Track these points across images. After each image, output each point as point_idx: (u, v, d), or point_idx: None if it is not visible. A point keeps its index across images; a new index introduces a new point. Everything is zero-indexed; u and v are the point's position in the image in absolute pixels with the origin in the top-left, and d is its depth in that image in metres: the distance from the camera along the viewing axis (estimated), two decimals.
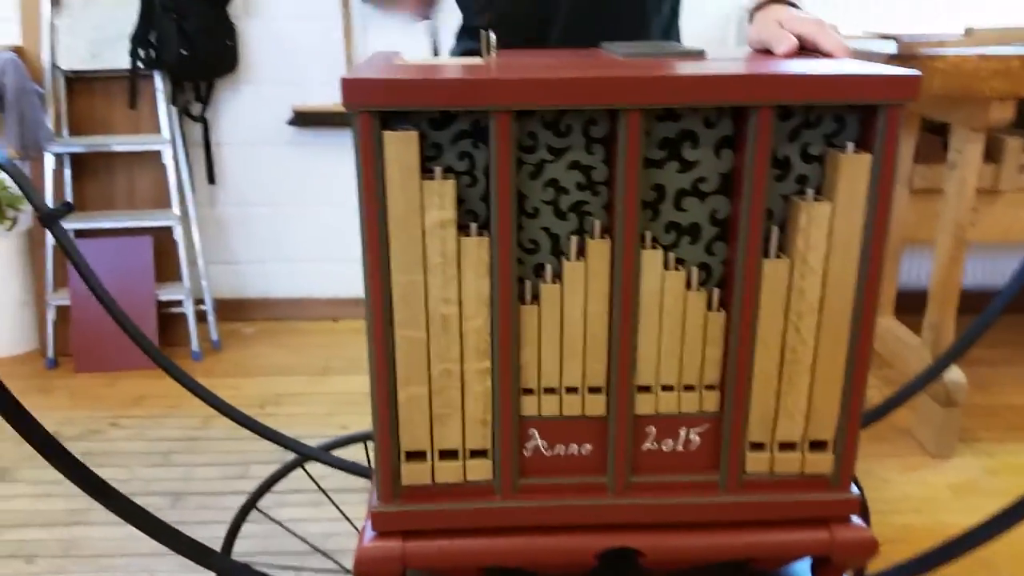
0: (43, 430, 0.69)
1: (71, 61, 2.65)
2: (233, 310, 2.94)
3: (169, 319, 2.75)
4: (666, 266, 0.69)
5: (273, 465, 1.34)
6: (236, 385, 2.48)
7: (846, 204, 0.66)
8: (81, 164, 2.74)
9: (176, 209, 2.69)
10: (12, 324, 2.70)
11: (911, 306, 2.31)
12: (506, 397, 0.70)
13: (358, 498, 1.67)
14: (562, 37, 1.19)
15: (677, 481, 0.72)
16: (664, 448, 0.72)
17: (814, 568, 0.76)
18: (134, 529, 0.74)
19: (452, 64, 0.74)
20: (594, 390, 0.71)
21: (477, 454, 0.72)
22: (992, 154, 1.99)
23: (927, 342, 2.03)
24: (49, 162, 2.63)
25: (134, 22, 2.58)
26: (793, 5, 0.87)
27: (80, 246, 2.36)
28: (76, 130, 2.71)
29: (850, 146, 0.66)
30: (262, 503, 1.31)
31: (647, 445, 0.72)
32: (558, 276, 0.69)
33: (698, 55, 0.76)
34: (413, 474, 0.72)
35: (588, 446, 0.72)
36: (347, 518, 1.41)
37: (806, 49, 0.79)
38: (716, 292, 0.70)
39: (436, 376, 0.70)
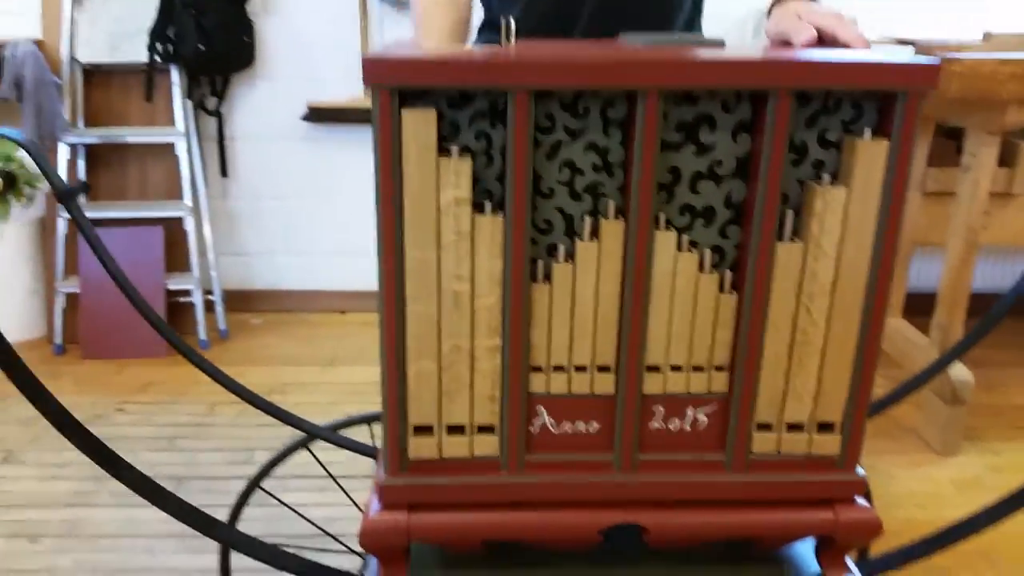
0: (56, 402, 0.70)
1: (90, 54, 2.68)
2: (242, 301, 2.96)
3: (178, 308, 2.77)
4: (679, 248, 0.69)
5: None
6: (242, 373, 2.49)
7: (862, 190, 0.66)
8: (95, 155, 2.77)
9: (188, 200, 2.71)
10: (21, 311, 2.72)
11: (920, 308, 2.32)
12: (515, 374, 0.71)
13: (362, 484, 1.68)
14: (585, 32, 1.20)
15: (683, 460, 0.72)
16: (671, 427, 0.73)
17: (818, 548, 0.76)
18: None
19: (472, 49, 0.75)
20: (603, 369, 0.71)
21: (484, 429, 0.73)
22: (1006, 158, 1.99)
23: (935, 342, 2.03)
24: (63, 152, 2.66)
25: (153, 17, 2.60)
26: None
27: None
28: (92, 121, 2.74)
29: (867, 132, 0.66)
30: (266, 487, 1.32)
31: (654, 424, 0.73)
32: (571, 256, 0.70)
33: (718, 44, 0.77)
34: (420, 448, 0.73)
35: (595, 424, 0.73)
36: (352, 500, 1.41)
37: (825, 41, 0.80)
38: (728, 274, 0.70)
39: (446, 352, 0.71)
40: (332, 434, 1.23)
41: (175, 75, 2.68)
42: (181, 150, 2.69)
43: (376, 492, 0.74)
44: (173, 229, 2.73)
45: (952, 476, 1.95)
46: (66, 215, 2.62)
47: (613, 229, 0.68)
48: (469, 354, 0.71)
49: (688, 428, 0.73)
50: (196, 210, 2.76)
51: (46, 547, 1.72)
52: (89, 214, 2.65)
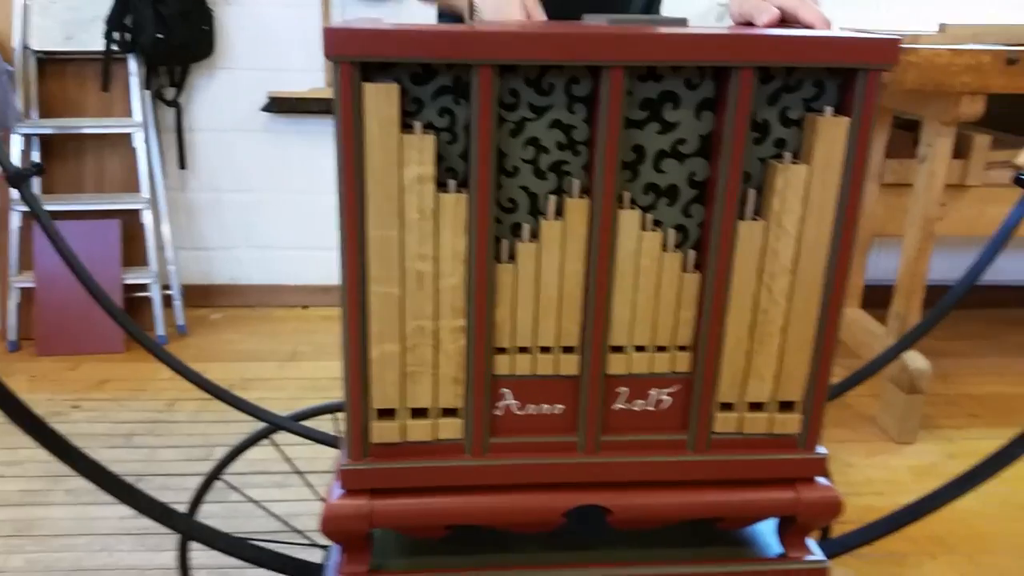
0: (12, 393, 0.68)
1: (44, 42, 2.61)
2: (201, 296, 2.91)
3: (135, 303, 2.71)
4: (643, 227, 0.69)
5: None
6: (201, 369, 2.42)
7: (823, 167, 0.67)
8: (50, 146, 2.70)
9: (145, 193, 2.65)
10: None
11: (878, 300, 2.35)
12: (480, 355, 0.70)
13: (325, 480, 1.66)
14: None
15: (646, 440, 0.72)
16: (635, 408, 0.73)
17: (780, 529, 0.77)
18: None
19: (436, 25, 0.74)
20: (567, 350, 0.71)
21: (448, 412, 0.72)
22: (960, 150, 2.03)
23: (893, 331, 2.07)
24: (17, 143, 2.58)
25: (110, 5, 2.54)
26: None
27: None
28: (46, 112, 2.67)
29: (829, 110, 0.67)
30: (226, 481, 1.29)
31: (618, 405, 0.72)
32: (535, 235, 0.69)
33: (680, 23, 0.77)
34: (383, 432, 0.71)
35: (560, 406, 0.72)
36: (314, 491, 1.39)
37: (787, 22, 0.80)
38: (692, 254, 0.70)
39: (410, 333, 0.70)
40: (296, 424, 1.21)
41: (133, 64, 2.62)
42: (139, 141, 2.63)
43: (338, 477, 0.72)
44: (130, 222, 2.67)
45: (909, 464, 1.99)
46: (21, 208, 2.55)
47: (578, 207, 0.68)
48: (433, 335, 0.70)
49: (652, 408, 0.73)
50: (154, 203, 2.71)
51: None
52: (45, 206, 2.58)
